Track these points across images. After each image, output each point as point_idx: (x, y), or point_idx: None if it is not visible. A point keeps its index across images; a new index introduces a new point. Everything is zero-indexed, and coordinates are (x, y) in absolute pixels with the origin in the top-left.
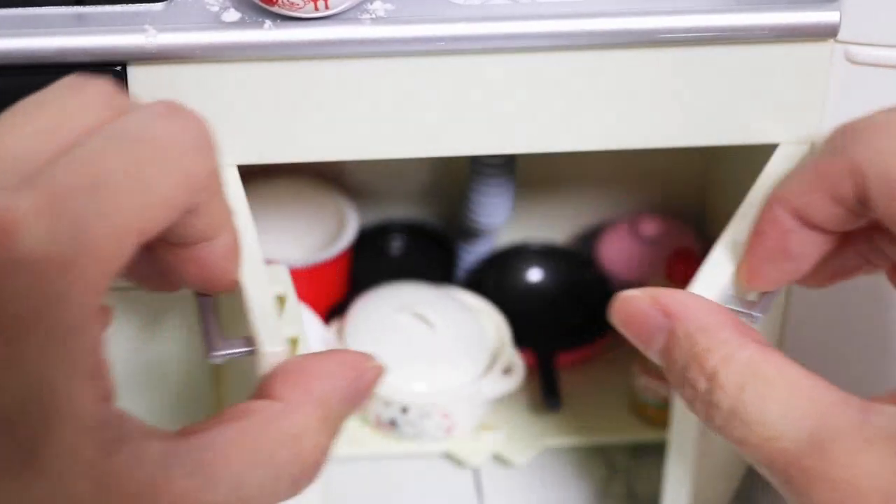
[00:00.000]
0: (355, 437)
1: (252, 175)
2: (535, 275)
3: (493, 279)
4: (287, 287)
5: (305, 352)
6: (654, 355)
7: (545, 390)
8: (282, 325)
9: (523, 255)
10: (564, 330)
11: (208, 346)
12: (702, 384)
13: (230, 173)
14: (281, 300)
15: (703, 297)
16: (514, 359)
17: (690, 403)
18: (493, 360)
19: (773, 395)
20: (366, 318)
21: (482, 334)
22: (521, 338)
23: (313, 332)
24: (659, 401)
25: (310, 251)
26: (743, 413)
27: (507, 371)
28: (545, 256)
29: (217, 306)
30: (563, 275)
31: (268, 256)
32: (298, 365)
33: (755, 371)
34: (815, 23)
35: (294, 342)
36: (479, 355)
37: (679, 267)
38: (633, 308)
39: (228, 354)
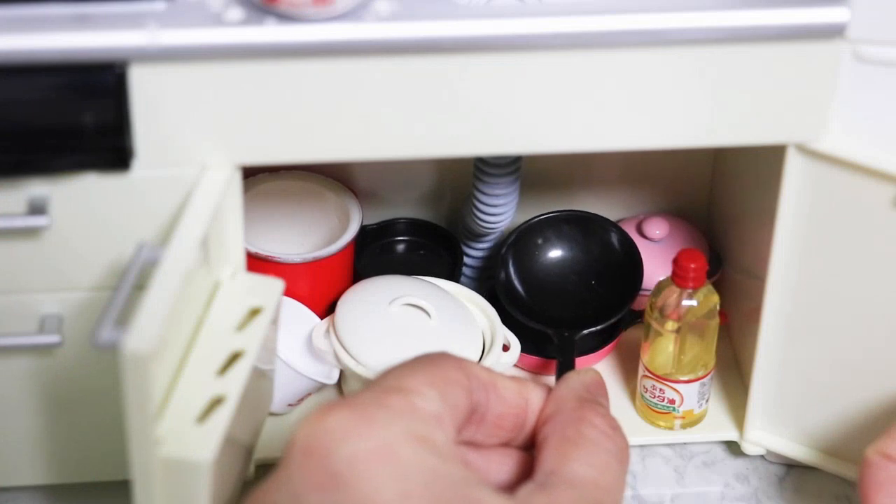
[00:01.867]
0: None
1: (258, 171)
2: (556, 254)
3: (514, 260)
4: (269, 301)
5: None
6: None
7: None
8: (233, 337)
9: (547, 231)
10: (584, 314)
11: (96, 329)
12: None
13: (233, 175)
14: (254, 312)
15: None
16: (509, 335)
17: None
18: (491, 339)
19: None
20: (360, 311)
21: (473, 317)
22: (542, 320)
23: (307, 329)
24: (664, 403)
25: (314, 247)
26: None
27: (506, 347)
28: (569, 235)
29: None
30: (585, 256)
31: (272, 252)
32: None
33: None
34: (823, 21)
35: (235, 356)
36: (476, 337)
37: (685, 267)
38: None
39: (100, 344)
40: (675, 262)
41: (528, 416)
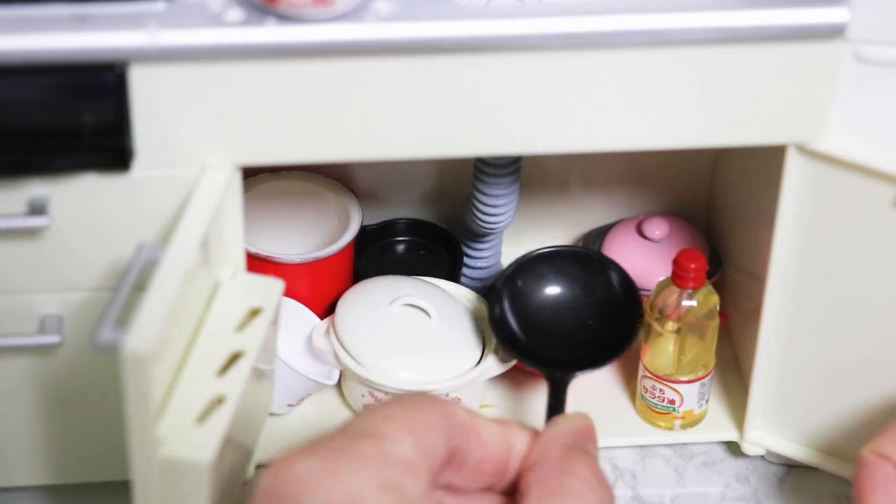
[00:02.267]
0: None
1: (258, 171)
2: (553, 291)
3: (509, 297)
4: (269, 302)
5: (244, 362)
6: None
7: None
8: (233, 337)
9: (543, 267)
10: (580, 355)
11: (96, 330)
12: None
13: (233, 175)
14: (254, 312)
15: None
16: None
17: None
18: (491, 340)
19: None
20: (360, 311)
21: (472, 318)
22: (535, 360)
23: (307, 329)
24: (664, 403)
25: (314, 247)
26: None
27: None
28: (567, 272)
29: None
30: (583, 295)
31: (272, 252)
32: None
33: None
34: (823, 21)
35: (235, 356)
36: (476, 337)
37: (685, 267)
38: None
39: (100, 344)
40: (675, 262)
41: (510, 460)
